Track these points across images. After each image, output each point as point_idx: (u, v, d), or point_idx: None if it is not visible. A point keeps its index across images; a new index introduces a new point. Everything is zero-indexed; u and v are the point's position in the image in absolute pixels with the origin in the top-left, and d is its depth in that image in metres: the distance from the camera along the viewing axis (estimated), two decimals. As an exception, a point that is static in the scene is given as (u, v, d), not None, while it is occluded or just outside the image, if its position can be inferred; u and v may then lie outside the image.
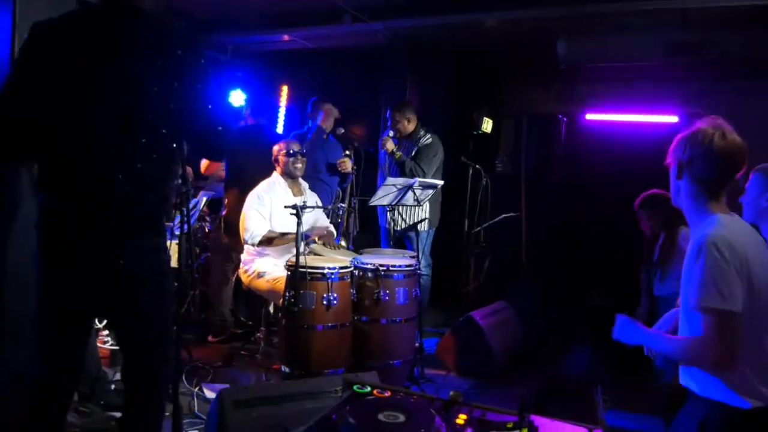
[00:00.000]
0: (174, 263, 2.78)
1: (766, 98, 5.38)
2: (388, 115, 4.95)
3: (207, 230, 5.13)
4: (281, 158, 4.01)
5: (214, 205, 5.04)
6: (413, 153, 4.78)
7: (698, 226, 1.78)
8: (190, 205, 3.40)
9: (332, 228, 4.24)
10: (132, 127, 1.80)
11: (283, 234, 3.78)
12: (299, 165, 4.02)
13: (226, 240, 4.57)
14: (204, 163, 4.60)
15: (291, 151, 3.99)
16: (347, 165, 4.73)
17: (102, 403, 3.08)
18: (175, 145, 1.92)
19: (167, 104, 1.84)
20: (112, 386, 3.20)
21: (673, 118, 5.60)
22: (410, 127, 4.86)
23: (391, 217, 4.63)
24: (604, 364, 3.91)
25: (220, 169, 5.01)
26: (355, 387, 1.77)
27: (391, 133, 4.80)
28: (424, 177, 4.55)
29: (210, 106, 1.92)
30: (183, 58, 1.86)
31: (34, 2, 2.58)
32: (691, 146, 1.77)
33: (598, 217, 5.50)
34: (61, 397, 1.94)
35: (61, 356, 1.90)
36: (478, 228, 5.25)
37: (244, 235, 3.81)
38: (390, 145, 4.73)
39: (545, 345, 4.80)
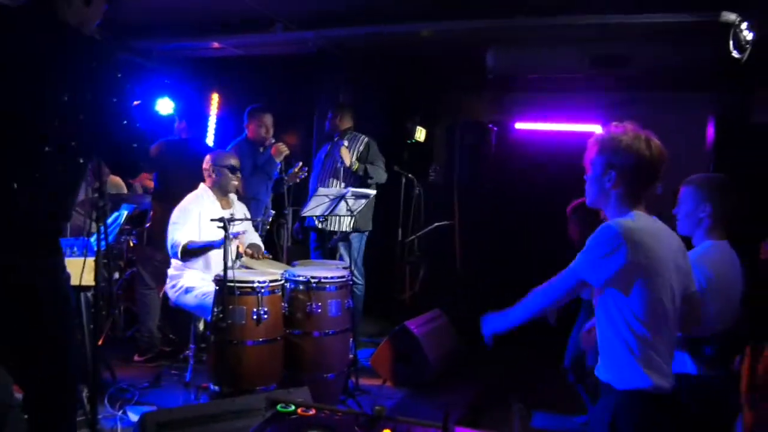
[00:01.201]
0: (92, 281, 2.65)
1: (683, 109, 5.69)
2: (329, 116, 4.92)
3: (132, 244, 4.92)
4: (220, 170, 3.83)
5: (136, 219, 4.84)
6: (357, 154, 4.76)
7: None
8: (109, 220, 3.26)
9: (259, 241, 4.14)
10: (36, 135, 1.70)
11: (205, 244, 3.62)
12: (235, 182, 3.90)
13: (150, 252, 4.40)
14: None
15: (233, 167, 3.86)
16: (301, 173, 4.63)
17: (14, 433, 2.88)
18: (82, 159, 1.82)
19: (77, 115, 1.76)
20: (26, 415, 3.00)
21: (597, 128, 5.82)
22: (344, 124, 4.85)
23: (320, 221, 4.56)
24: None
25: (148, 178, 4.83)
26: (278, 406, 1.72)
27: (346, 143, 4.75)
28: (385, 173, 4.69)
29: (125, 122, 1.84)
30: (97, 71, 1.79)
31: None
32: (615, 152, 1.84)
33: (528, 223, 5.63)
34: None
35: None
36: (412, 237, 5.28)
37: (168, 249, 3.66)
38: (347, 157, 4.66)
39: (479, 352, 4.86)
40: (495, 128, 6.17)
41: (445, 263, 5.82)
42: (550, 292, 1.90)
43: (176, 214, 3.73)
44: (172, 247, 3.62)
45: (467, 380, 4.39)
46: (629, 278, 1.77)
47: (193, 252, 3.61)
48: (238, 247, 4.03)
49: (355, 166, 4.67)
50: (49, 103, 1.73)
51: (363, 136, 4.89)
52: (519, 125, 6.17)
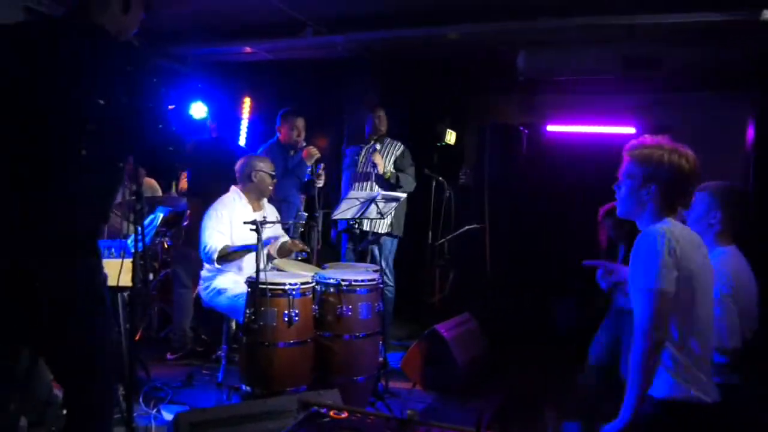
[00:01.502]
0: (128, 282, 2.72)
1: (720, 110, 5.56)
2: (369, 118, 4.92)
3: (166, 245, 5.01)
4: (259, 175, 3.89)
5: (171, 221, 4.94)
6: (392, 162, 4.79)
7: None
8: (146, 222, 3.33)
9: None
10: (72, 138, 1.75)
11: (242, 247, 3.68)
12: (271, 187, 3.97)
13: (187, 251, 4.48)
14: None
15: (273, 173, 3.93)
16: (322, 179, 4.64)
17: (53, 429, 2.95)
18: (119, 163, 1.87)
19: (113, 119, 1.80)
20: (65, 411, 3.08)
21: (630, 129, 5.72)
22: (383, 126, 4.88)
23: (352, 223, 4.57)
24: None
25: (184, 179, 4.92)
26: (311, 408, 1.73)
27: (379, 147, 4.77)
28: (414, 182, 4.70)
29: (160, 126, 1.88)
30: (133, 75, 1.83)
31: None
32: (657, 166, 1.88)
33: (560, 227, 5.56)
34: None
35: None
36: (442, 240, 5.26)
37: (202, 252, 3.72)
38: (380, 164, 4.68)
39: (510, 357, 4.82)
40: (526, 131, 6.11)
41: (476, 267, 5.78)
42: (641, 322, 1.79)
43: (207, 218, 3.78)
44: (206, 252, 3.68)
45: (497, 385, 4.35)
46: (678, 284, 1.78)
47: (230, 256, 3.67)
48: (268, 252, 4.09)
49: (388, 174, 4.67)
50: (86, 107, 1.77)
51: (399, 143, 4.90)
52: (550, 127, 6.10)
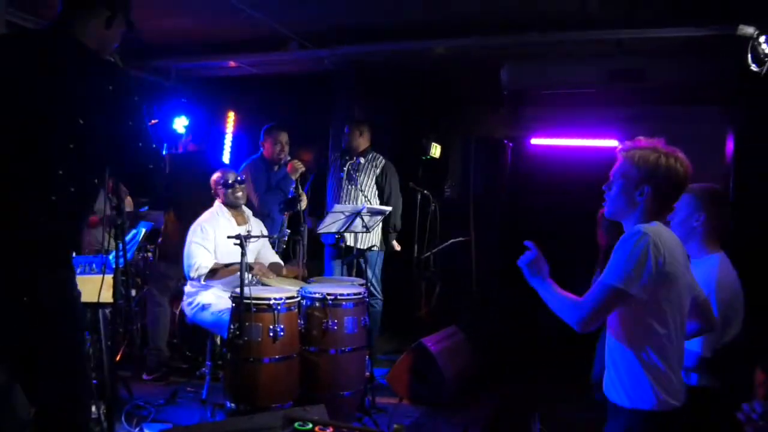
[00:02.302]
0: (110, 298, 2.67)
1: (701, 123, 5.63)
2: (347, 133, 4.90)
3: (149, 261, 4.95)
4: (219, 190, 3.92)
5: (153, 236, 4.88)
6: (373, 177, 4.78)
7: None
8: (128, 237, 3.28)
9: (278, 259, 4.15)
10: (50, 157, 1.72)
11: (228, 265, 3.67)
12: (239, 194, 3.94)
13: (163, 268, 4.42)
14: None
15: (228, 183, 3.90)
16: (303, 201, 4.61)
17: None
18: (96, 180, 1.84)
19: (92, 138, 1.78)
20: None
21: (614, 142, 5.78)
22: (362, 142, 4.84)
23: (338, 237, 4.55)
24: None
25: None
26: (296, 424, 1.70)
27: (363, 161, 4.78)
28: (398, 201, 4.70)
29: (140, 144, 1.85)
30: (113, 94, 1.81)
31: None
32: (653, 169, 1.87)
33: (545, 239, 5.57)
34: None
35: None
36: (428, 253, 5.25)
37: (189, 270, 3.69)
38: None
39: (498, 369, 4.80)
40: (510, 144, 6.15)
41: (462, 279, 5.78)
42: (585, 305, 1.81)
43: (192, 233, 3.75)
44: (194, 268, 3.65)
45: (485, 398, 4.33)
46: (657, 286, 1.77)
47: (219, 273, 3.66)
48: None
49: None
50: (65, 125, 1.75)
51: (380, 158, 4.90)
52: (535, 141, 6.15)
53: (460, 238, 5.35)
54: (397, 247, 4.95)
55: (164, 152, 4.63)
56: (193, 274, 3.68)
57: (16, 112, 1.73)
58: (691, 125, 5.58)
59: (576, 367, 3.46)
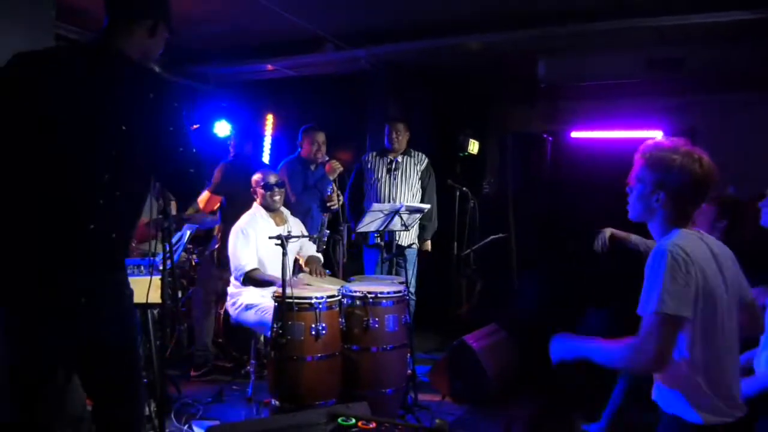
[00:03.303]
0: (158, 299, 2.75)
1: (745, 110, 5.44)
2: (386, 130, 4.89)
3: (193, 263, 5.07)
4: (259, 191, 3.98)
5: (198, 238, 4.99)
6: (418, 174, 4.82)
7: (662, 240, 1.82)
8: (174, 240, 3.37)
9: (319, 255, 4.20)
10: (97, 163, 1.79)
11: (265, 281, 3.72)
12: (277, 197, 3.99)
13: (217, 273, 4.52)
14: (203, 197, 4.54)
15: (268, 184, 3.95)
16: (335, 201, 4.65)
17: (86, 445, 2.99)
18: (141, 187, 1.91)
19: (135, 145, 1.84)
20: (95, 426, 3.11)
21: (658, 133, 5.63)
22: (403, 141, 4.86)
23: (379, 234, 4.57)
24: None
25: (215, 205, 4.93)
26: (339, 419, 1.73)
27: (400, 159, 4.81)
28: (434, 204, 4.73)
29: (181, 149, 1.90)
30: (155, 101, 1.86)
31: (11, 39, 2.60)
32: (667, 171, 1.78)
33: (587, 235, 5.47)
34: None
35: (34, 405, 1.84)
36: (468, 251, 5.22)
37: (233, 272, 3.78)
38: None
39: (541, 367, 4.74)
40: (550, 138, 6.06)
41: (502, 276, 5.73)
42: (646, 347, 1.66)
43: (233, 236, 3.84)
44: (237, 270, 3.74)
45: (529, 396, 4.28)
46: (695, 303, 1.69)
47: (254, 282, 3.73)
48: (296, 261, 4.11)
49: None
50: (108, 133, 1.81)
51: (423, 156, 4.90)
52: (575, 134, 6.04)
53: (500, 235, 5.30)
54: (428, 248, 4.92)
55: (220, 161, 4.69)
56: (236, 275, 3.77)
57: (64, 120, 1.79)
58: (746, 112, 5.36)
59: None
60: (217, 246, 4.62)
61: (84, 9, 4.29)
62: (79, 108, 1.79)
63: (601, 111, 6.03)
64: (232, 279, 3.88)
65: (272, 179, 3.99)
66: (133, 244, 4.08)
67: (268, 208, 3.98)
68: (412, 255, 4.72)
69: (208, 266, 4.69)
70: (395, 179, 4.78)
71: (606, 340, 1.80)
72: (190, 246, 4.98)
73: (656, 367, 1.71)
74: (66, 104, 1.79)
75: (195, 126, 4.11)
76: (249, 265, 3.73)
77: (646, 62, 4.81)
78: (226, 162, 4.67)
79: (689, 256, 1.69)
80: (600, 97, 5.93)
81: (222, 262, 4.45)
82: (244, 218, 3.93)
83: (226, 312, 4.14)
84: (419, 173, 4.85)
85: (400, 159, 4.81)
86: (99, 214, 1.81)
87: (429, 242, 4.93)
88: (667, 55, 4.80)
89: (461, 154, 5.87)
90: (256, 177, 4.02)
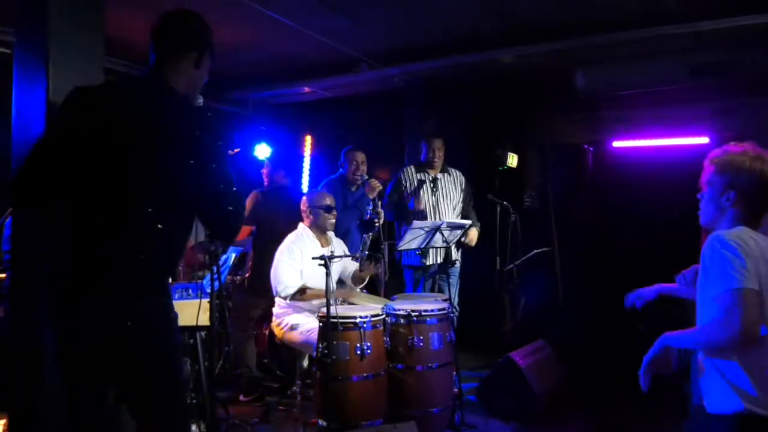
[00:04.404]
0: (206, 321, 2.80)
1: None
2: (423, 147, 4.87)
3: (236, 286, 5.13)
4: (313, 212, 3.97)
5: (240, 262, 5.03)
6: (461, 193, 4.85)
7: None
8: (220, 262, 3.43)
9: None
10: (139, 195, 1.85)
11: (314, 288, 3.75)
12: (332, 220, 4.02)
13: (252, 300, 4.57)
14: None
15: (328, 206, 3.98)
16: (381, 217, 4.64)
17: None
18: (186, 218, 1.96)
19: (179, 180, 1.89)
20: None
21: (704, 139, 5.48)
22: (442, 156, 4.87)
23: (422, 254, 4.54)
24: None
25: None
26: None
27: (442, 175, 4.83)
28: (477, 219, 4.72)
29: (222, 186, 1.94)
30: (200, 139, 1.91)
31: (65, 76, 2.72)
32: (737, 172, 1.85)
33: (633, 245, 5.34)
34: None
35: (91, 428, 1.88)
36: (511, 265, 5.15)
37: (277, 287, 3.80)
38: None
39: (591, 385, 4.62)
40: (591, 148, 5.97)
41: (547, 291, 5.62)
42: (732, 319, 1.67)
43: (280, 253, 3.86)
44: (282, 287, 3.76)
45: (577, 414, 4.17)
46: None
47: (304, 297, 3.76)
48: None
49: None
50: (155, 168, 1.86)
51: (458, 172, 4.92)
52: (617, 143, 5.93)
53: (544, 249, 5.21)
54: (473, 237, 4.79)
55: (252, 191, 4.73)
56: (281, 293, 3.79)
57: (111, 154, 1.85)
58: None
59: (672, 380, 3.28)
60: (248, 274, 4.67)
61: (132, 42, 4.43)
62: (133, 142, 1.85)
63: (643, 119, 5.90)
64: (277, 299, 3.91)
65: (330, 201, 4.02)
66: (180, 267, 4.17)
67: (321, 229, 4.01)
68: (455, 272, 4.68)
69: (240, 293, 4.74)
70: (434, 196, 4.77)
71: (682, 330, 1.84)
72: (236, 269, 5.04)
73: (744, 340, 1.66)
74: (121, 138, 1.85)
75: (236, 150, 4.17)
76: (294, 282, 3.75)
77: (688, 68, 4.69)
78: (258, 191, 4.73)
79: (747, 245, 1.74)
80: (642, 105, 5.81)
81: (254, 289, 4.50)
82: (291, 237, 3.95)
83: (271, 332, 4.17)
84: (460, 190, 4.84)
85: (439, 176, 4.80)
86: (142, 243, 1.85)
87: (475, 231, 4.80)
88: (712, 60, 4.67)
89: (500, 168, 5.82)
90: (311, 197, 4.03)
